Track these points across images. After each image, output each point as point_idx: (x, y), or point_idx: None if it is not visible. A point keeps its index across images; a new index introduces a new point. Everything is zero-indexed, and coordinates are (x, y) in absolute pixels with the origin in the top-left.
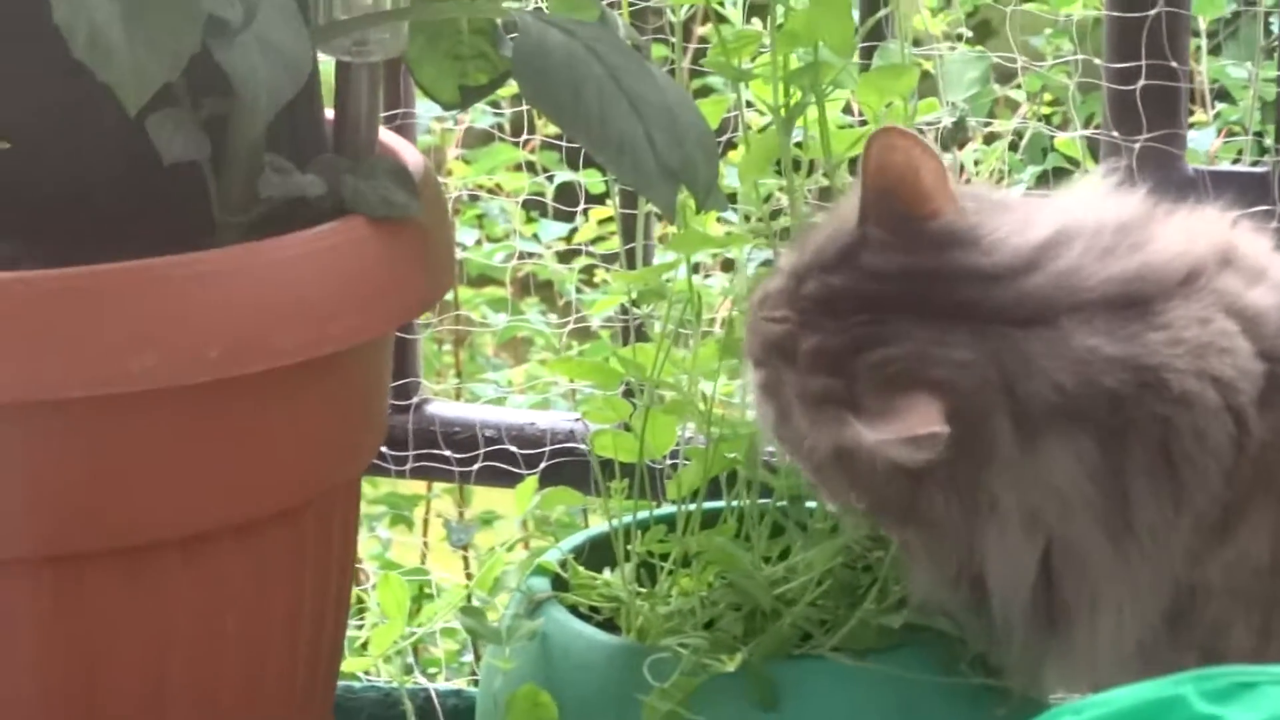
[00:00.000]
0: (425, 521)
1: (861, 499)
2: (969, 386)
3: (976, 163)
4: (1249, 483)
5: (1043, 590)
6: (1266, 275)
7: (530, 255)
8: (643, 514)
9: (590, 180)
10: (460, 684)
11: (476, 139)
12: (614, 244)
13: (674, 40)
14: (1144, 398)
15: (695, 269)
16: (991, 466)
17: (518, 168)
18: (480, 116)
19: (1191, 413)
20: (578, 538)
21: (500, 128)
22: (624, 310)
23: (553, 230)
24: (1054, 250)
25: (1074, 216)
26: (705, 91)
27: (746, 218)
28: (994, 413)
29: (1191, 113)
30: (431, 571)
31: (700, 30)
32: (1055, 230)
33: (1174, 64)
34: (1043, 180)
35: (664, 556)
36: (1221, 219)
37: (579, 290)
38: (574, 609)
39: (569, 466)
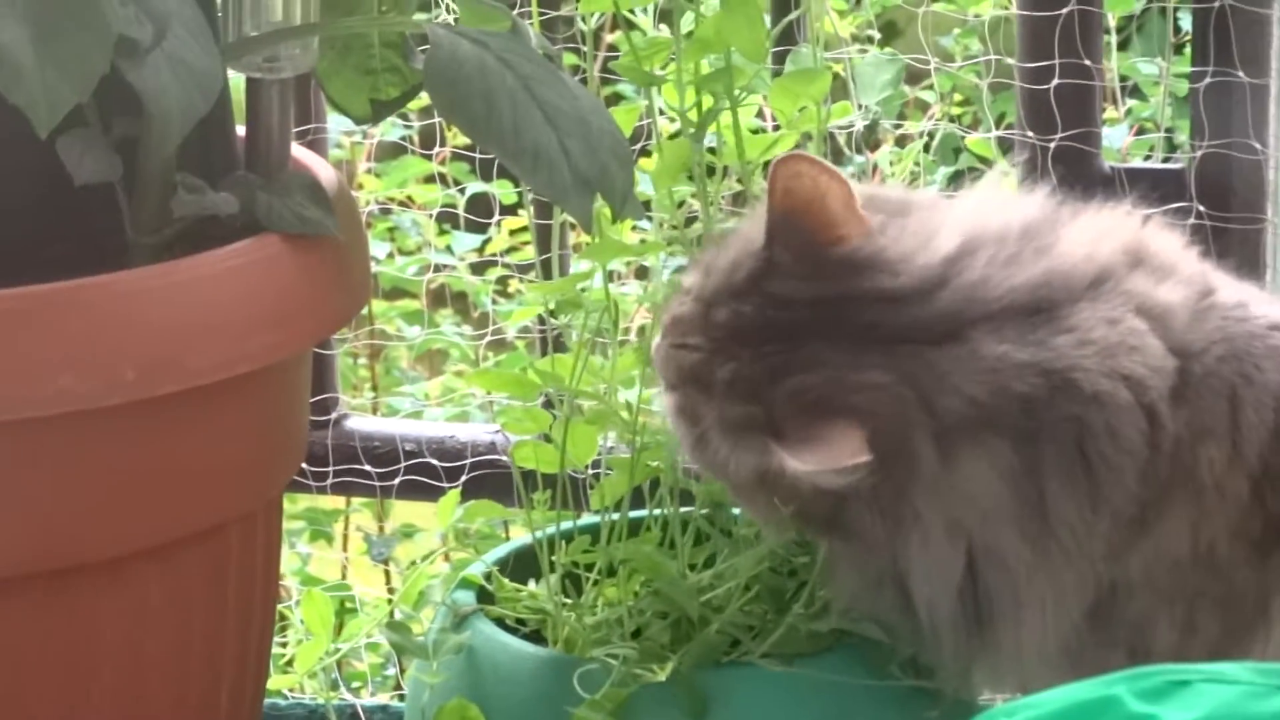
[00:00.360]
0: (345, 536)
1: (785, 511)
2: (888, 410)
3: (891, 163)
4: (1166, 478)
5: (969, 593)
6: (1175, 271)
7: (444, 267)
8: (566, 524)
9: (502, 191)
10: (384, 698)
11: (386, 152)
12: (528, 254)
13: (585, 49)
14: (1056, 400)
15: (610, 277)
16: (915, 484)
17: (429, 180)
18: (390, 129)
19: (1104, 411)
20: (502, 550)
21: (409, 140)
22: (541, 320)
23: (466, 242)
24: (960, 263)
25: (978, 222)
26: (615, 99)
27: (661, 224)
28: (914, 433)
29: (1103, 110)
30: (353, 586)
31: (609, 38)
32: (960, 242)
33: (1087, 62)
34: (956, 180)
35: (589, 567)
36: (1131, 217)
37: (494, 301)
38: (500, 621)
39: (490, 479)
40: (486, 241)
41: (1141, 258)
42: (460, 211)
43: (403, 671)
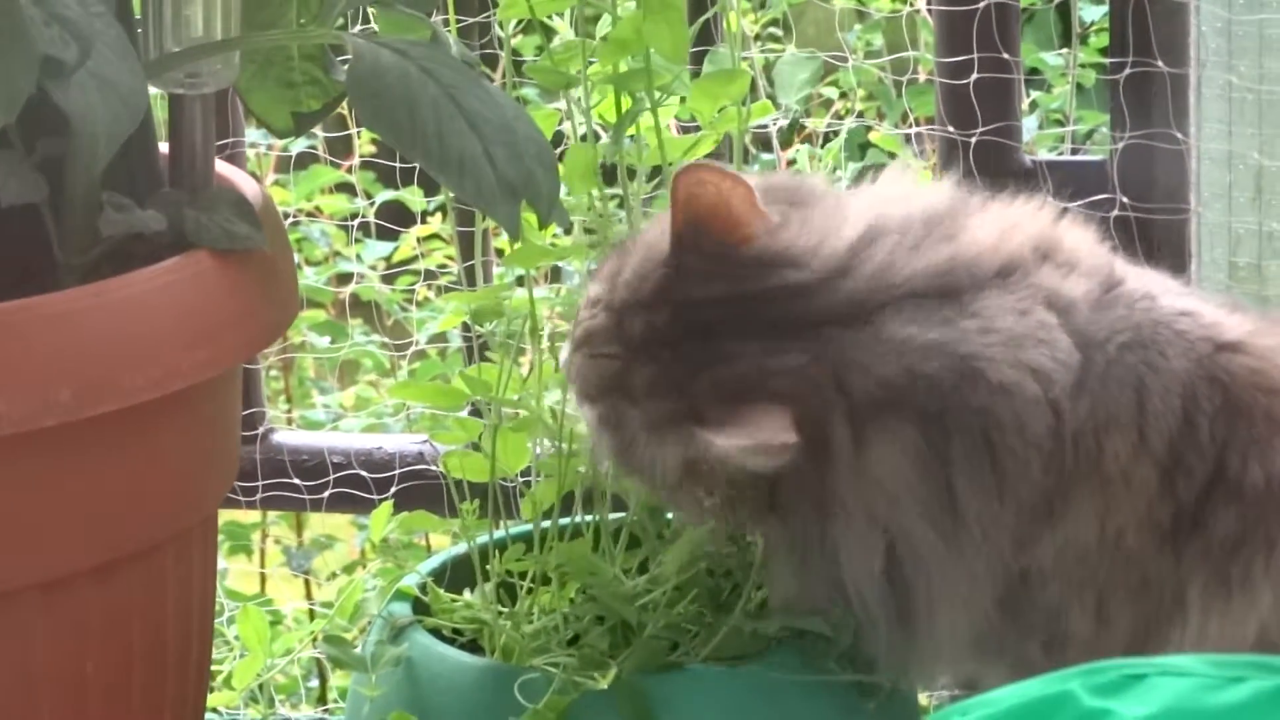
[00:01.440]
0: (262, 549)
1: (716, 500)
2: (807, 391)
3: (811, 159)
4: (1071, 469)
5: (895, 579)
6: (1081, 264)
7: (356, 276)
8: (499, 533)
9: (411, 199)
10: (310, 711)
11: (288, 163)
12: (435, 260)
13: (502, 55)
14: (962, 387)
15: (525, 282)
16: (833, 469)
17: (336, 189)
18: (296, 140)
19: (1012, 403)
20: (436, 560)
21: (313, 149)
22: (467, 328)
23: (376, 250)
24: (864, 250)
25: (882, 212)
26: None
27: (577, 228)
28: (831, 415)
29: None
30: (272, 597)
31: (513, 41)
32: (865, 229)
33: (1006, 55)
34: (863, 176)
35: (523, 575)
36: (1043, 211)
37: (403, 308)
38: (436, 632)
39: (419, 489)
40: (395, 249)
41: (1050, 253)
42: (372, 219)
43: (324, 683)
